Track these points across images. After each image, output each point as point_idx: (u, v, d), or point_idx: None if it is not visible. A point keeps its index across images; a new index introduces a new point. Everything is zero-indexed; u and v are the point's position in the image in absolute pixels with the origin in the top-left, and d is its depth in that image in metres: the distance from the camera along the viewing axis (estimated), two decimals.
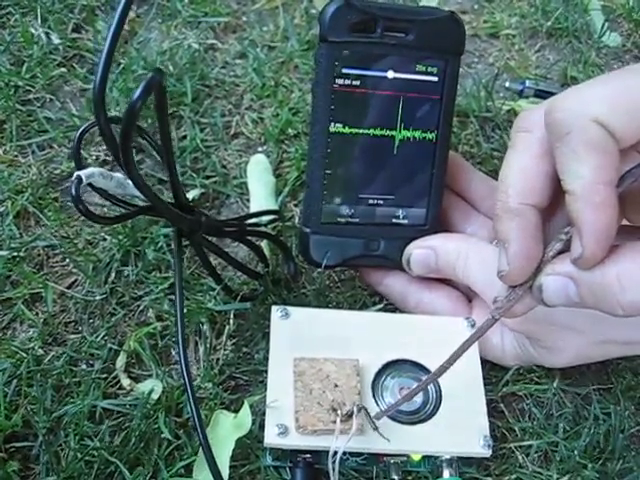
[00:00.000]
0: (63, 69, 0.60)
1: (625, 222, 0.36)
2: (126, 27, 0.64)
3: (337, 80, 0.43)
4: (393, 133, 0.45)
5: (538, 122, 0.35)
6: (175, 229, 0.41)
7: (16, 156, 0.54)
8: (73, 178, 0.36)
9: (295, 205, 0.54)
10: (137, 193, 0.39)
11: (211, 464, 0.37)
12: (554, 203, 0.36)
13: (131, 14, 0.65)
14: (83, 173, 0.36)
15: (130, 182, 0.38)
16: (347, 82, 0.44)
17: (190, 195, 0.52)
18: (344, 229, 0.46)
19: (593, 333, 0.41)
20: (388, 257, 0.46)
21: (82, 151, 0.55)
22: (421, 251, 0.45)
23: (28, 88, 0.59)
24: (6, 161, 0.54)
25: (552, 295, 0.35)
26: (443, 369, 0.38)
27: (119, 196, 0.39)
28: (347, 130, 0.44)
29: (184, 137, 0.57)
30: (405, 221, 0.46)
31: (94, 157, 0.55)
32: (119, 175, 0.38)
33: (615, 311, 0.33)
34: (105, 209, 0.51)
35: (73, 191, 0.35)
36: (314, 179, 0.45)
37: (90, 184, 0.36)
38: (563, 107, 0.33)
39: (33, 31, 0.62)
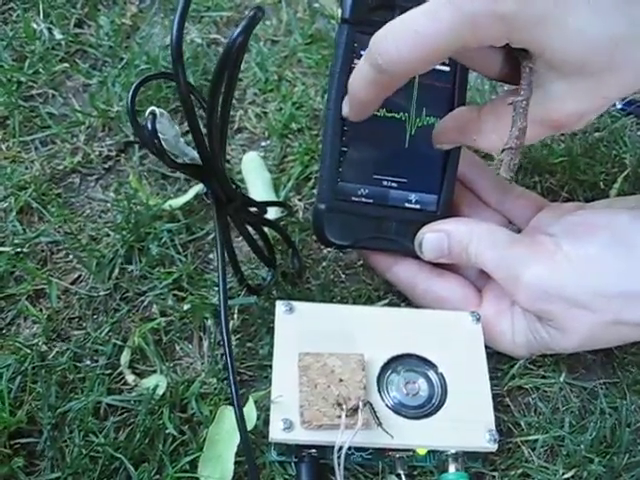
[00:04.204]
0: (66, 64, 0.60)
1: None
2: (128, 22, 0.64)
3: (355, 61, 0.44)
4: (407, 117, 0.46)
5: None
6: (214, 197, 0.41)
7: (19, 152, 0.54)
8: (147, 114, 0.36)
9: (299, 200, 0.53)
10: (186, 151, 0.39)
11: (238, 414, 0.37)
12: None
13: (133, 9, 0.65)
14: (157, 110, 0.36)
15: (182, 140, 0.39)
16: None
17: (194, 190, 0.52)
18: (358, 208, 0.46)
19: (606, 312, 0.41)
20: (399, 241, 0.46)
21: (85, 147, 0.55)
22: (434, 234, 0.45)
23: (31, 84, 0.58)
24: (9, 157, 0.54)
25: None
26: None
27: (168, 149, 0.39)
28: None
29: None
30: (417, 206, 0.47)
31: (97, 152, 0.54)
32: (177, 128, 0.38)
33: None
34: (108, 204, 0.51)
35: (149, 125, 0.36)
36: (330, 156, 0.45)
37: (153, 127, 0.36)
38: None
39: (35, 26, 0.62)
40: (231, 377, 0.37)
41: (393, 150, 0.46)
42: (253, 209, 0.45)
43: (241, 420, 0.37)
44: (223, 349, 0.39)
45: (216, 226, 0.41)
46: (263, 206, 0.46)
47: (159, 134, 0.37)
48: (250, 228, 0.46)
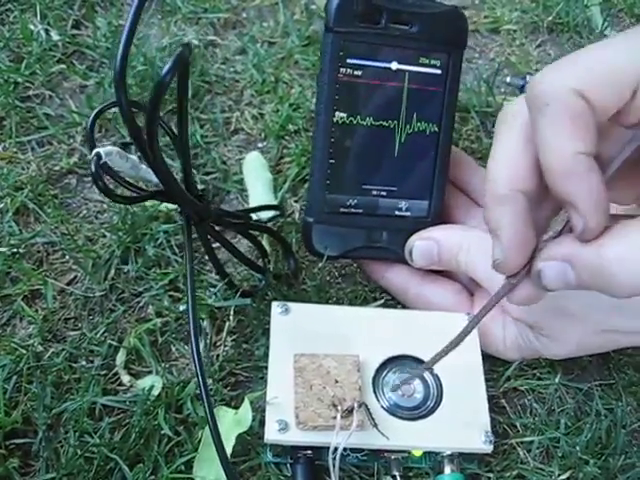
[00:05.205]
0: (62, 65, 0.60)
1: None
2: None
3: (341, 70, 0.44)
4: (396, 124, 0.45)
5: (520, 111, 0.35)
6: (184, 216, 0.41)
7: (15, 152, 0.54)
8: (92, 155, 0.35)
9: (295, 201, 0.54)
10: (149, 177, 0.38)
11: (218, 446, 0.37)
12: (543, 192, 0.36)
13: None
14: (102, 150, 0.35)
15: (143, 166, 0.38)
16: (351, 72, 0.44)
17: None
18: (347, 219, 0.46)
19: (596, 321, 0.41)
20: (390, 249, 0.46)
21: (82, 148, 0.55)
22: (423, 242, 0.45)
23: (27, 85, 0.58)
24: (5, 158, 0.54)
25: (552, 281, 0.34)
26: (439, 356, 0.37)
27: (130, 179, 0.39)
28: (351, 120, 0.44)
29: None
30: (408, 213, 0.46)
31: None
32: (134, 157, 0.38)
33: (615, 292, 0.32)
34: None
35: (92, 168, 0.35)
36: (318, 169, 0.45)
37: (102, 165, 0.36)
38: (543, 80, 0.33)
39: (32, 27, 0.62)
40: (205, 402, 0.37)
41: (382, 159, 0.46)
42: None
43: (218, 442, 0.36)
44: (195, 370, 0.38)
45: (185, 246, 0.41)
46: (246, 214, 0.46)
47: (116, 169, 0.37)
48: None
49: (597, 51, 0.33)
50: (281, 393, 0.39)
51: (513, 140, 0.36)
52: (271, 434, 0.38)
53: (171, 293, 0.47)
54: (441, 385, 0.41)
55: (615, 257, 0.32)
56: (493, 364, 0.45)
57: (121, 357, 0.44)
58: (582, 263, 0.33)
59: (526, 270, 0.35)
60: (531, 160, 0.35)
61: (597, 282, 0.33)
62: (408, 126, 0.46)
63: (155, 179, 0.37)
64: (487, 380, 0.42)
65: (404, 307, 0.47)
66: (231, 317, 0.46)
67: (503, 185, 0.35)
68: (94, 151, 0.35)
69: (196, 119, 0.57)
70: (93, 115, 0.38)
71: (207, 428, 0.40)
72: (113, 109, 0.56)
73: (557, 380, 0.45)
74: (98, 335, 0.45)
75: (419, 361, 0.42)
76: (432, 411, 0.41)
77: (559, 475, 0.41)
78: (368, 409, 0.39)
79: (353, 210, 0.46)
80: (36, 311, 0.46)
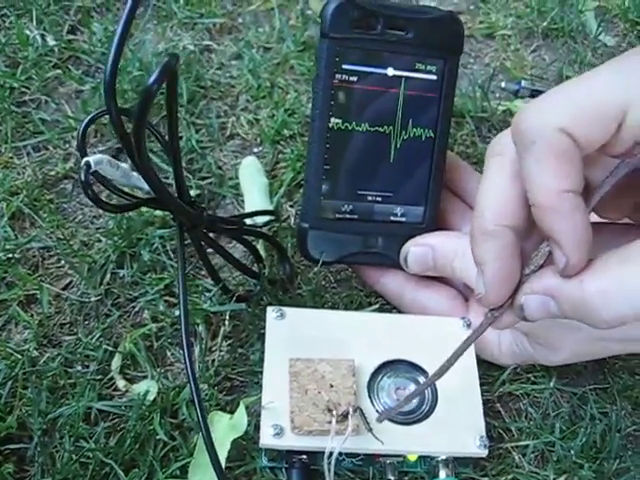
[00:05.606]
0: (58, 71, 0.60)
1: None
2: None
3: (337, 76, 0.44)
4: (392, 130, 0.45)
5: (510, 145, 0.35)
6: (177, 223, 0.41)
7: (11, 157, 0.54)
8: (82, 164, 0.35)
9: (291, 206, 0.54)
10: (140, 185, 0.39)
11: (212, 457, 0.37)
12: (531, 224, 0.36)
13: None
14: (92, 159, 0.35)
15: (135, 174, 0.38)
16: (347, 78, 0.44)
17: None
18: (342, 225, 0.46)
19: (589, 330, 0.41)
20: (385, 254, 0.46)
21: (77, 153, 0.55)
22: (419, 248, 0.45)
23: (23, 90, 0.58)
24: (1, 163, 0.54)
25: (534, 313, 0.35)
26: (437, 376, 0.37)
27: (122, 187, 0.39)
28: (346, 126, 0.45)
29: (180, 138, 0.56)
30: (403, 219, 0.46)
31: None
32: (125, 165, 0.38)
33: (598, 325, 0.33)
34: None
35: (82, 177, 0.35)
36: (313, 174, 0.45)
37: (94, 173, 0.36)
38: (527, 118, 0.33)
39: (28, 33, 0.62)
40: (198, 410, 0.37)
41: (377, 164, 0.46)
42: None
43: (211, 449, 0.37)
44: (187, 379, 0.39)
45: (178, 253, 0.41)
46: (240, 220, 0.47)
47: (108, 177, 0.37)
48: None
49: (581, 85, 0.33)
50: (276, 398, 0.39)
51: (502, 174, 0.36)
52: (266, 439, 0.38)
53: (166, 298, 0.47)
54: (436, 389, 0.42)
55: (597, 291, 0.32)
56: (488, 368, 0.45)
57: (116, 362, 0.44)
58: (564, 297, 0.33)
59: (508, 303, 0.36)
60: (519, 194, 0.35)
61: (579, 314, 0.33)
62: (404, 132, 0.46)
63: (147, 186, 0.37)
64: (482, 384, 0.42)
65: (399, 312, 0.47)
66: (226, 322, 0.46)
67: (490, 220, 0.35)
68: (83, 160, 0.35)
69: (192, 124, 0.58)
70: (84, 124, 0.38)
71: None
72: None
73: (552, 384, 0.45)
74: (93, 340, 0.45)
75: (414, 366, 0.42)
76: (427, 415, 0.41)
77: (554, 479, 0.41)
78: (363, 414, 0.39)
79: (348, 216, 0.46)
80: (31, 316, 0.46)
